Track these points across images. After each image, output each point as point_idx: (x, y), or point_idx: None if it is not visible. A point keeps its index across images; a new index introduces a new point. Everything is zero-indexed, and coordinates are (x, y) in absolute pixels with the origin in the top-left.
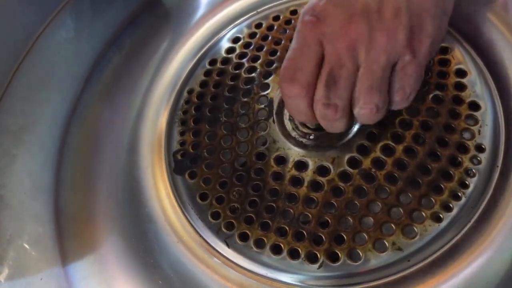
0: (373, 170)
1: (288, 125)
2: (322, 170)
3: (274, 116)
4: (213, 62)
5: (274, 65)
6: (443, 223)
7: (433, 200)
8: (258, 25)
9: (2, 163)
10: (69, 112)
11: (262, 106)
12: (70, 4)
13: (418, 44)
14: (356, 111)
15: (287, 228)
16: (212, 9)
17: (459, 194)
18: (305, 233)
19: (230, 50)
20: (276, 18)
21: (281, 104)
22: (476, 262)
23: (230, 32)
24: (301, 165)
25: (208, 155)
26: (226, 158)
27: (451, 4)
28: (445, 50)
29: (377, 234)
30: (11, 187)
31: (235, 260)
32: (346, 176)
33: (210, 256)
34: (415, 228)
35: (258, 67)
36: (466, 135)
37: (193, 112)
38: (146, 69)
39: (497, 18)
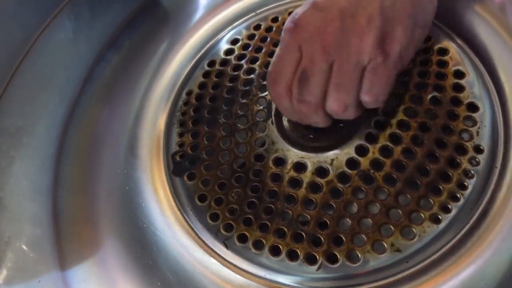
0: (372, 171)
1: (287, 126)
2: (320, 172)
3: (273, 117)
4: (211, 63)
5: None
6: (442, 224)
7: (432, 202)
8: (257, 27)
9: (0, 164)
10: (67, 114)
11: (261, 107)
12: (69, 5)
13: (389, 47)
14: (326, 106)
15: (286, 230)
16: (211, 11)
17: (458, 195)
18: (304, 235)
19: (228, 52)
20: (275, 19)
21: None
22: (475, 263)
23: (229, 34)
24: (299, 167)
25: (207, 157)
26: (225, 160)
27: (425, 17)
28: (443, 52)
29: (375, 235)
30: (10, 189)
31: (233, 262)
32: (344, 178)
33: (208, 257)
34: (413, 230)
35: (257, 68)
36: (465, 136)
37: (192, 113)
38: (145, 71)
39: (495, 20)
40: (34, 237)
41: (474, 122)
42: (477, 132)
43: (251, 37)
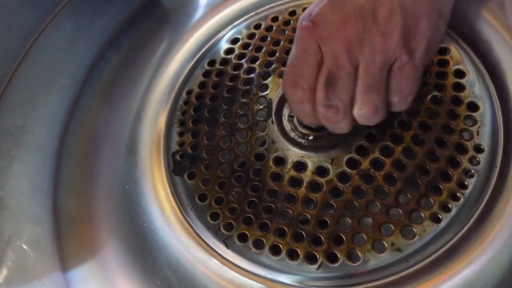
0: (372, 170)
1: (287, 125)
2: (321, 171)
3: (273, 116)
4: (212, 63)
5: (273, 65)
6: (442, 224)
7: (432, 201)
8: (257, 26)
9: (0, 164)
10: (67, 113)
11: (261, 106)
12: (68, 5)
13: (414, 45)
14: (355, 111)
15: (286, 229)
16: (211, 10)
17: (458, 195)
18: (304, 234)
19: (229, 51)
20: (275, 19)
21: (280, 104)
22: (475, 263)
23: (229, 33)
24: (300, 166)
25: (207, 156)
26: (225, 159)
27: (447, 8)
28: (443, 51)
29: (376, 234)
30: (10, 188)
31: (234, 261)
32: (345, 177)
33: (209, 256)
34: (414, 229)
35: (257, 68)
36: (465, 135)
37: (192, 113)
38: (145, 70)
39: (495, 19)
40: (35, 236)
41: (475, 122)
42: (478, 132)
43: (251, 36)
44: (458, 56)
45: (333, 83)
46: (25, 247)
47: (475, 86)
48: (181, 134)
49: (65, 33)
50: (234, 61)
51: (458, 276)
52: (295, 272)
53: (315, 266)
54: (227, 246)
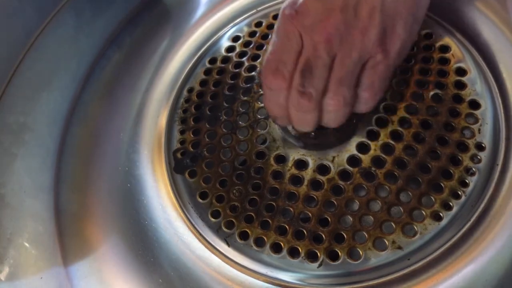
0: (373, 168)
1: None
2: (322, 169)
3: None
4: (213, 60)
5: None
6: (443, 222)
7: (433, 199)
8: (258, 24)
9: (2, 162)
10: (69, 111)
11: (262, 104)
12: (70, 2)
13: (390, 45)
14: (325, 101)
15: (287, 227)
16: (212, 8)
17: (459, 193)
18: (305, 232)
19: (230, 49)
20: (276, 16)
21: None
22: (476, 261)
23: (230, 31)
24: (301, 164)
25: (208, 154)
26: (226, 157)
27: (422, 12)
28: (445, 49)
29: (377, 232)
30: (11, 186)
31: (235, 259)
32: (346, 175)
33: (210, 254)
34: (415, 227)
35: (258, 65)
36: (466, 133)
37: (193, 110)
38: (146, 68)
39: (497, 17)
40: (36, 233)
41: (476, 120)
42: (479, 130)
43: (252, 34)
44: (460, 54)
45: (310, 71)
46: (26, 244)
47: (477, 84)
48: (182, 132)
49: (66, 30)
50: (235, 59)
51: (459, 274)
52: (296, 270)
53: (316, 264)
54: (228, 244)
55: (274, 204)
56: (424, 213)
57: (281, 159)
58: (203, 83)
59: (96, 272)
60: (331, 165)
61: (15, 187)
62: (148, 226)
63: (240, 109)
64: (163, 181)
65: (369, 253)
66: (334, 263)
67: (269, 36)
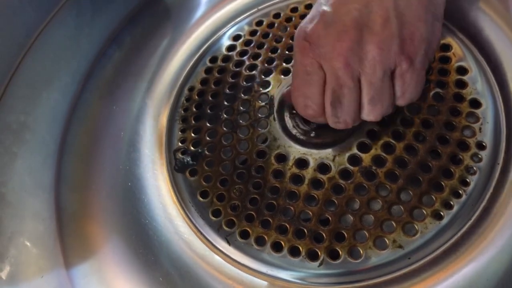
0: (374, 167)
1: (289, 122)
2: (322, 168)
3: (275, 113)
4: (213, 59)
5: (275, 62)
6: (444, 221)
7: (434, 198)
8: (259, 23)
9: (3, 161)
10: (69, 110)
11: (263, 103)
12: (70, 1)
13: (413, 50)
14: (363, 117)
15: (288, 226)
16: (213, 7)
17: (460, 192)
18: (305, 231)
19: (230, 48)
20: (277, 15)
21: (282, 101)
22: (477, 260)
23: (231, 30)
24: (301, 163)
25: (208, 153)
26: (227, 156)
27: (441, 7)
28: (446, 48)
29: (377, 231)
30: (12, 185)
31: (236, 258)
32: (346, 174)
33: (211, 253)
34: (415, 226)
35: (259, 64)
36: (467, 132)
37: (194, 109)
38: (147, 67)
39: (498, 15)
40: (37, 233)
41: (477, 119)
42: (480, 129)
43: (253, 33)
44: (461, 53)
45: (339, 101)
46: (27, 243)
47: (478, 83)
48: (183, 131)
49: (66, 30)
50: (236, 58)
51: (460, 273)
52: (296, 269)
53: (317, 263)
54: (229, 243)
55: (274, 203)
56: (424, 212)
57: (281, 158)
58: (203, 82)
59: (96, 271)
60: (331, 164)
61: (15, 186)
62: (148, 225)
63: (241, 108)
64: (164, 180)
65: (370, 252)
66: (335, 262)
67: (270, 35)
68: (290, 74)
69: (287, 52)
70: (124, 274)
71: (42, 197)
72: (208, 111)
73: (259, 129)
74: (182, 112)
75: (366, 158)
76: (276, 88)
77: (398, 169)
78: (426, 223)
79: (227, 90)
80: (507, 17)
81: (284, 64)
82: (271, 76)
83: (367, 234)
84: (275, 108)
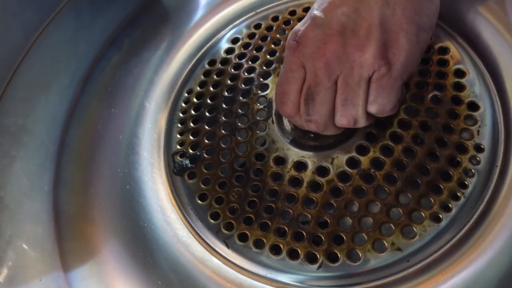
0: (372, 170)
1: (287, 125)
2: (321, 171)
3: (273, 116)
4: (212, 62)
5: (273, 65)
6: (442, 223)
7: (432, 201)
8: (257, 26)
9: (1, 163)
10: (68, 113)
11: (261, 106)
12: (69, 4)
13: (392, 57)
14: (335, 121)
15: (287, 229)
16: (211, 10)
17: (458, 194)
18: (304, 234)
19: (229, 51)
20: (275, 18)
21: None
22: (476, 262)
23: (229, 33)
24: (300, 166)
25: (207, 156)
26: (226, 159)
27: (429, 19)
28: (444, 51)
29: (376, 234)
30: (10, 188)
31: (234, 261)
32: (345, 177)
33: (209, 256)
34: (414, 229)
35: (257, 67)
36: (465, 135)
37: (193, 112)
38: (146, 69)
39: (495, 18)
40: (35, 236)
41: (475, 121)
42: (478, 131)
43: (251, 36)
44: (458, 56)
45: (312, 98)
46: (25, 246)
47: (475, 86)
48: (181, 134)
49: (65, 32)
50: (234, 60)
51: (458, 275)
52: (295, 271)
53: (316, 266)
54: (227, 246)
55: (273, 206)
56: (423, 215)
57: (280, 161)
58: (202, 84)
59: (95, 274)
60: (330, 167)
61: (14, 189)
62: (147, 228)
63: (239, 110)
64: (162, 183)
65: (369, 255)
66: (334, 265)
67: (268, 38)
68: None
69: None
70: (122, 277)
71: (41, 200)
72: (207, 113)
73: (258, 131)
74: (181, 114)
75: (364, 160)
76: (274, 90)
77: (396, 171)
78: (425, 226)
79: (226, 93)
80: (505, 20)
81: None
82: (269, 79)
83: (365, 237)
84: (273, 111)
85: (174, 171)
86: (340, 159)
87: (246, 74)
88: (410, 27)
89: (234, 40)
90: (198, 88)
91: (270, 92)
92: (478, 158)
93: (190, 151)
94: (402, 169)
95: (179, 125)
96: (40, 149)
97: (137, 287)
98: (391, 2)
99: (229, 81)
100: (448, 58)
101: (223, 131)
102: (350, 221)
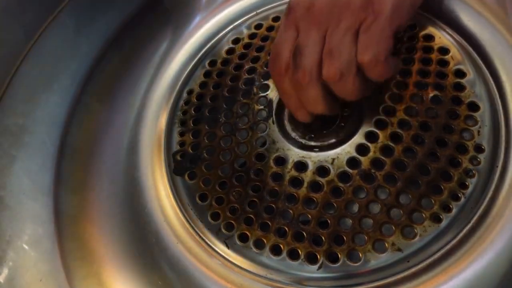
0: (373, 170)
1: (288, 126)
2: (321, 171)
3: (274, 117)
4: (213, 63)
5: None
6: (443, 224)
7: (433, 201)
8: (258, 26)
9: (1, 163)
10: (68, 113)
11: (262, 106)
12: (69, 4)
13: (379, 6)
14: (323, 74)
15: (287, 229)
16: (212, 10)
17: (459, 195)
18: (304, 234)
19: (230, 51)
20: (276, 19)
21: (281, 104)
22: (476, 263)
23: (230, 33)
24: (300, 166)
25: (207, 156)
26: (226, 159)
27: None
28: (444, 51)
29: (376, 234)
30: (11, 187)
31: (234, 261)
32: (345, 177)
33: (209, 257)
34: (414, 229)
35: (258, 67)
36: (466, 135)
37: (193, 112)
38: (146, 70)
39: (496, 19)
40: (36, 236)
41: (475, 122)
42: (478, 132)
43: (252, 36)
44: (459, 56)
45: (300, 51)
46: (26, 246)
47: (476, 86)
48: (181, 134)
49: (66, 32)
50: (235, 61)
51: (459, 276)
52: (295, 272)
53: (316, 266)
54: (227, 246)
55: (273, 206)
56: (423, 215)
57: (280, 161)
58: (202, 85)
59: (95, 274)
60: (330, 167)
61: (14, 189)
62: (147, 228)
63: (240, 111)
64: (163, 183)
65: (369, 255)
66: (334, 265)
67: (269, 38)
68: None
69: None
70: (122, 277)
71: (41, 200)
72: (207, 114)
73: (258, 132)
74: (181, 115)
75: (365, 161)
76: (274, 91)
77: (397, 172)
78: (425, 226)
79: (226, 93)
80: (505, 20)
81: None
82: (270, 79)
83: (366, 237)
84: (274, 111)
85: (175, 171)
86: (340, 159)
87: (246, 74)
88: None
89: (235, 41)
90: (199, 89)
91: (271, 93)
92: (478, 159)
93: (191, 151)
94: (402, 169)
95: (179, 125)
96: (41, 149)
97: (137, 287)
98: None
99: (229, 82)
100: (449, 59)
101: (223, 132)
102: (351, 221)
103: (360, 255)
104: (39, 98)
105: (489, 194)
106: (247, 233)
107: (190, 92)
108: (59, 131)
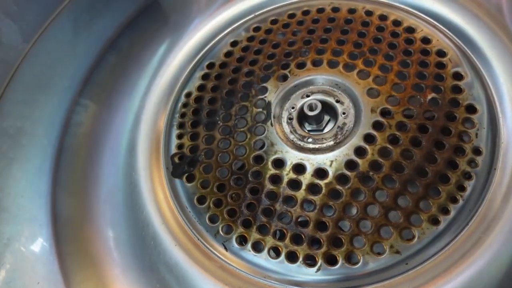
0: (371, 172)
1: (286, 128)
2: (320, 173)
3: (272, 119)
4: (211, 65)
5: (272, 68)
6: (441, 226)
7: (431, 203)
8: (256, 29)
9: None
10: (66, 115)
11: (260, 109)
12: (68, 7)
13: None
14: None
15: (285, 231)
16: (211, 13)
17: (457, 197)
18: (303, 236)
19: (228, 54)
20: (274, 21)
21: (279, 107)
22: (474, 265)
23: (228, 36)
24: (299, 168)
25: (205, 158)
26: (224, 161)
27: None
28: (442, 54)
29: (375, 237)
30: (8, 190)
31: (233, 264)
32: (344, 179)
33: (208, 259)
34: (413, 231)
35: (256, 70)
36: (464, 138)
37: (191, 115)
38: (144, 72)
39: (494, 22)
40: (33, 238)
41: (473, 124)
42: (476, 134)
43: (250, 39)
44: (457, 59)
45: None
46: (23, 249)
47: (474, 89)
48: (180, 137)
49: (64, 35)
50: (233, 63)
51: (457, 278)
52: (294, 274)
53: (315, 269)
54: (226, 248)
55: (272, 208)
56: (422, 218)
57: (279, 164)
58: (201, 87)
59: (92, 276)
60: (329, 169)
61: (12, 191)
62: (145, 230)
63: (238, 113)
64: (161, 186)
65: (367, 257)
66: (333, 267)
67: (267, 41)
68: (287, 80)
69: (284, 57)
70: (121, 280)
71: (39, 203)
72: (205, 116)
73: (256, 134)
74: (179, 117)
75: (363, 163)
76: (273, 93)
77: (395, 174)
78: (423, 228)
79: (225, 96)
80: (503, 24)
81: (281, 70)
82: (268, 81)
83: (364, 240)
84: (272, 114)
85: (173, 174)
86: (338, 162)
87: (245, 77)
88: None
89: (233, 43)
90: (197, 91)
91: (269, 95)
92: (476, 161)
93: (189, 153)
94: (400, 171)
95: (177, 128)
96: (39, 151)
97: None
98: None
99: (228, 84)
100: (446, 61)
101: (221, 134)
102: (349, 223)
103: (359, 257)
104: (37, 100)
105: (487, 197)
106: (246, 235)
107: (188, 95)
108: (57, 134)
